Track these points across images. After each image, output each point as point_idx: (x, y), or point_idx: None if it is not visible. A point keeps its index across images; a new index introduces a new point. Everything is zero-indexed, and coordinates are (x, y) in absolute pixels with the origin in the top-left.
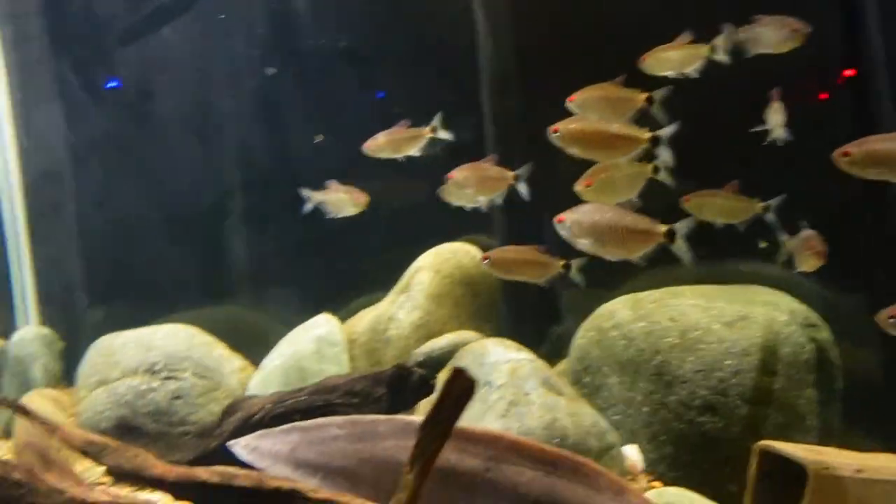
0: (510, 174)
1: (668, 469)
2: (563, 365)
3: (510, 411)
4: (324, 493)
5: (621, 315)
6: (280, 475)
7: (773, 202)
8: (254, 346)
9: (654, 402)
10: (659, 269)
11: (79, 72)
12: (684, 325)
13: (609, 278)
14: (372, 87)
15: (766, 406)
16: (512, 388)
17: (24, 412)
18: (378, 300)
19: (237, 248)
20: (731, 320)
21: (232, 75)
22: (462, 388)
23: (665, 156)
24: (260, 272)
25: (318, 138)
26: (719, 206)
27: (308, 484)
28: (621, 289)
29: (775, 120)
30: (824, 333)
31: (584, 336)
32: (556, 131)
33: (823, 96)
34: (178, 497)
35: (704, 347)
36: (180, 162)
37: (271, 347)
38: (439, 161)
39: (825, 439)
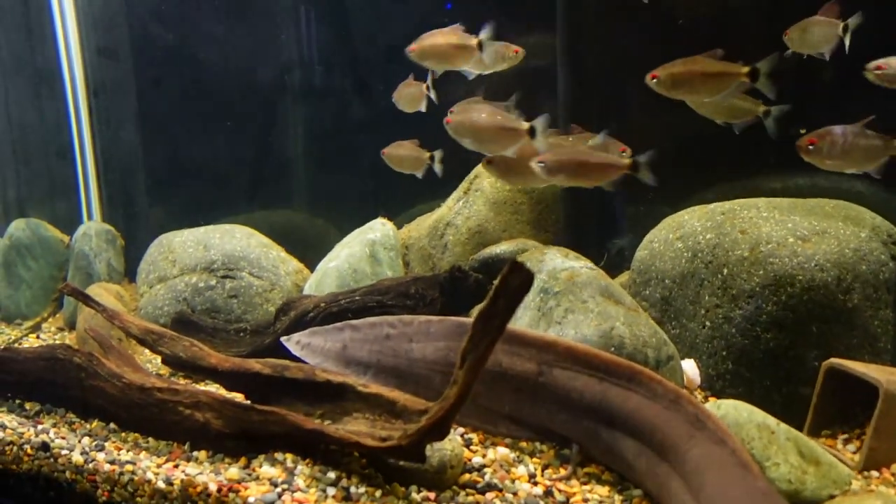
0: (426, 155)
1: (727, 386)
2: (624, 277)
3: (566, 318)
4: (373, 388)
5: (689, 226)
6: (331, 371)
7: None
8: (311, 250)
9: (717, 316)
10: (731, 182)
11: None
12: (756, 238)
13: (675, 192)
14: None
15: (837, 325)
16: (569, 296)
17: (86, 299)
18: (438, 206)
19: (297, 152)
20: (806, 234)
21: None
22: (519, 282)
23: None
24: (319, 176)
25: None
26: None
27: (359, 380)
28: (687, 203)
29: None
30: None
31: (646, 247)
32: (654, 77)
33: None
34: (230, 388)
35: (776, 262)
36: (242, 47)
37: (326, 250)
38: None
39: None
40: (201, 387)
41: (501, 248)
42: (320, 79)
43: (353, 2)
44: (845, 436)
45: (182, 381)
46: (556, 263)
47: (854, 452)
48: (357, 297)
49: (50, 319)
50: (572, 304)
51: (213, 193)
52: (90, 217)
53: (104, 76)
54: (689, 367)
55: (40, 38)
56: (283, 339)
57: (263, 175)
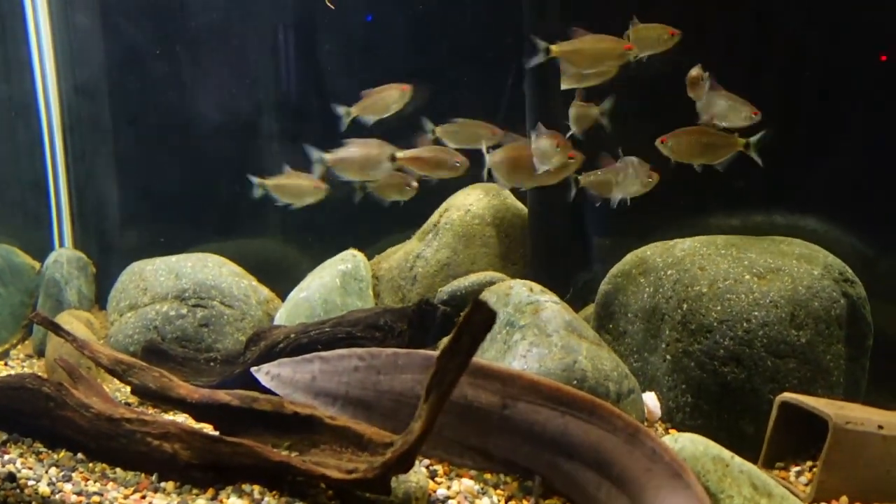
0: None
1: (686, 418)
2: (588, 310)
3: (531, 352)
4: (341, 420)
5: (652, 261)
6: (299, 402)
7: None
8: (282, 280)
9: (676, 350)
10: (692, 218)
11: None
12: (714, 274)
13: (640, 227)
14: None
15: (791, 359)
16: (534, 329)
17: (56, 328)
18: (407, 238)
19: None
20: (762, 271)
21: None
22: (482, 319)
23: None
24: (293, 208)
25: (330, 5)
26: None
27: (326, 411)
28: (651, 238)
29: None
30: (858, 289)
31: (610, 282)
32: (664, 141)
33: None
34: (199, 419)
35: (733, 297)
36: (215, 83)
37: (298, 280)
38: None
39: (851, 396)
40: (170, 417)
41: (469, 280)
42: (292, 114)
43: (321, 45)
44: (798, 468)
45: (151, 412)
46: (521, 297)
47: (806, 484)
48: (327, 329)
49: (18, 346)
50: (537, 337)
51: (186, 223)
52: (62, 244)
53: (80, 111)
54: (650, 400)
55: (18, 72)
56: (252, 369)
57: (236, 205)
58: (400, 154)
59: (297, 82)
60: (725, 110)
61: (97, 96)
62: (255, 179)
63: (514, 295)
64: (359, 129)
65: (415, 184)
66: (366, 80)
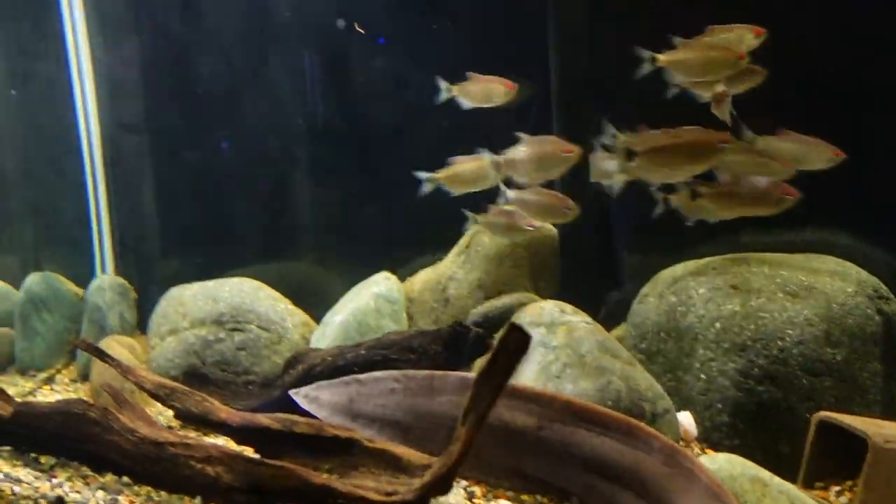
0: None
1: (723, 438)
2: (620, 329)
3: (565, 372)
4: (379, 443)
5: (682, 281)
6: (338, 425)
7: None
8: (316, 303)
9: (711, 369)
10: (723, 235)
11: (157, 26)
12: (746, 293)
13: (670, 244)
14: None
15: (827, 377)
16: (567, 350)
17: (101, 354)
18: (438, 260)
19: (303, 206)
20: (795, 289)
21: (301, 34)
22: (517, 342)
23: None
24: (324, 230)
25: (360, 29)
26: None
27: (365, 434)
28: (682, 255)
29: None
30: (893, 306)
31: (642, 301)
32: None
33: None
34: (240, 442)
35: (766, 316)
36: (250, 117)
37: (333, 304)
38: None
39: (888, 415)
40: (212, 440)
41: (501, 302)
42: (328, 140)
43: (358, 76)
44: (838, 488)
45: (193, 435)
46: (554, 317)
47: None
48: (362, 352)
49: (63, 371)
50: (570, 358)
51: (223, 249)
52: (104, 271)
53: (121, 145)
54: (686, 420)
55: (62, 109)
56: (291, 392)
57: (270, 231)
58: (510, 194)
59: (325, 113)
60: (804, 153)
61: (138, 131)
62: (424, 175)
63: (547, 315)
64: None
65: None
66: (387, 109)
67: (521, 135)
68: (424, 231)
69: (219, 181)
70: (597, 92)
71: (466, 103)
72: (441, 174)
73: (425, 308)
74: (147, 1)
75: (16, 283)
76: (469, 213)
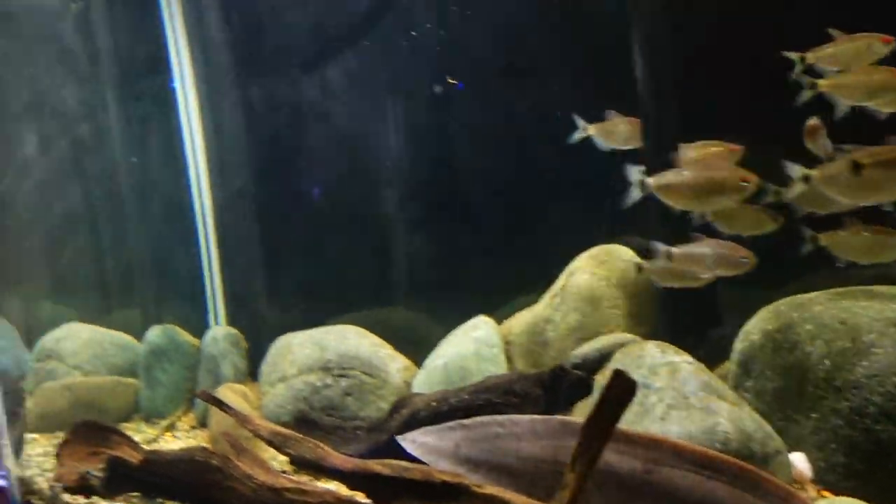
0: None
1: (840, 479)
2: (723, 368)
3: (669, 414)
4: (489, 489)
5: (786, 317)
6: (444, 469)
7: None
8: (416, 347)
9: (823, 408)
10: (826, 268)
11: (264, 97)
12: (855, 328)
13: (771, 279)
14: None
15: None
16: (671, 391)
17: (220, 404)
18: (533, 302)
19: (400, 254)
20: None
21: (408, 87)
22: (622, 389)
23: None
24: (421, 277)
25: (452, 81)
26: None
27: (472, 479)
28: (783, 291)
29: None
30: None
31: (745, 339)
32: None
33: None
34: (352, 487)
35: (879, 352)
36: (351, 173)
37: (432, 348)
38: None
39: None
40: (324, 485)
41: (600, 343)
42: (425, 189)
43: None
44: None
45: (306, 479)
46: (655, 358)
47: None
48: (465, 396)
49: (183, 418)
50: (674, 399)
51: (326, 298)
52: (217, 322)
53: (230, 208)
54: (799, 461)
55: (177, 178)
56: (397, 437)
57: (372, 279)
58: (675, 250)
59: (422, 163)
60: None
61: (245, 195)
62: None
63: (648, 356)
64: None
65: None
66: (484, 155)
67: (683, 151)
68: (520, 274)
69: (321, 235)
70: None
71: (603, 144)
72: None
73: (524, 351)
74: (255, 78)
75: (138, 335)
76: (637, 262)
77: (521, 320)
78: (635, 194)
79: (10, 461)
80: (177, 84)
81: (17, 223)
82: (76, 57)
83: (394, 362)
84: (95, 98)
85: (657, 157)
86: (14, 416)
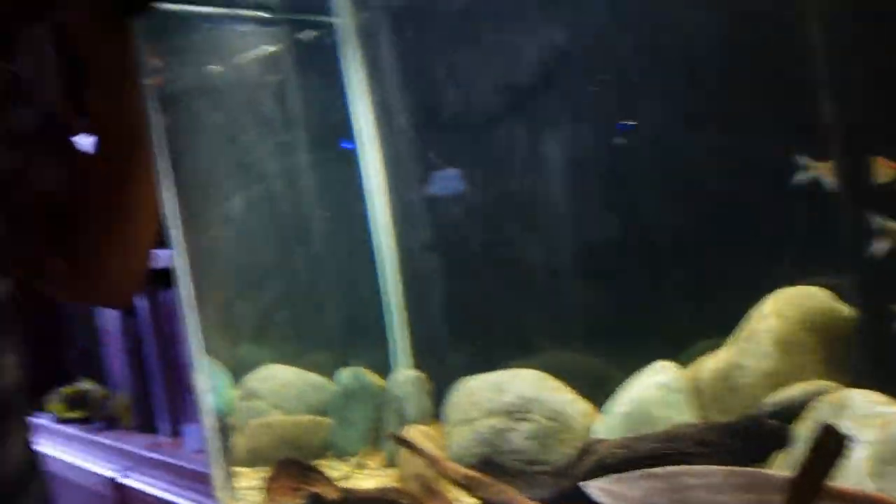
0: None
1: None
2: None
3: (885, 471)
4: None
5: None
6: None
7: None
8: (596, 392)
9: None
10: None
11: (444, 141)
12: None
13: None
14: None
15: None
16: (883, 445)
17: (411, 446)
18: (718, 346)
19: (578, 297)
20: None
21: (589, 137)
22: (833, 445)
23: None
24: (599, 321)
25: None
26: None
27: None
28: None
29: None
30: None
31: None
32: None
33: None
34: None
35: None
36: (530, 220)
37: (612, 393)
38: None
39: None
40: None
41: (797, 391)
42: (603, 228)
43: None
44: None
45: None
46: (863, 409)
47: None
48: (653, 444)
49: (372, 457)
50: (890, 454)
51: (507, 340)
52: (401, 365)
53: (413, 262)
54: None
55: (362, 224)
56: (583, 484)
57: (551, 322)
58: None
59: (610, 215)
60: None
61: (428, 251)
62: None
63: (854, 407)
64: None
65: None
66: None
67: None
68: (703, 317)
69: (501, 282)
70: None
71: (832, 183)
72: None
73: (711, 398)
74: (436, 135)
75: (330, 376)
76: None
77: (708, 365)
78: (881, 246)
79: (222, 493)
80: (360, 145)
81: (223, 272)
82: (273, 124)
83: (575, 407)
84: (290, 160)
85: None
86: (224, 451)
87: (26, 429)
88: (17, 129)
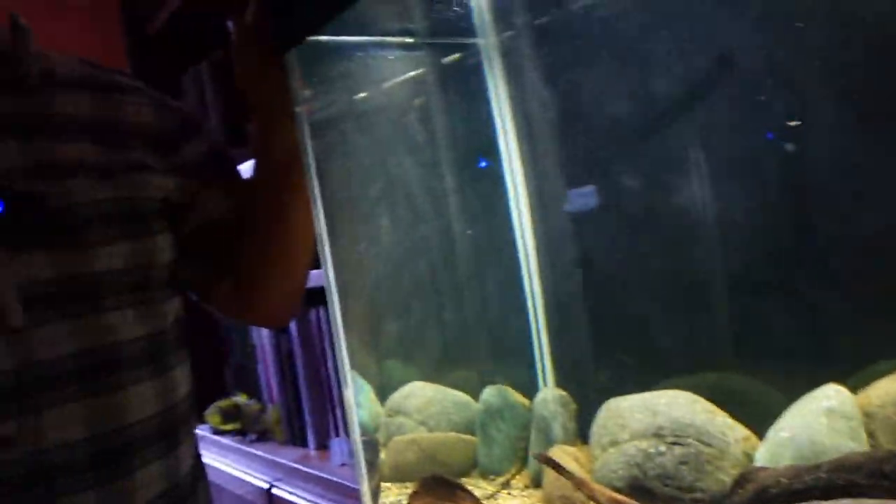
0: None
1: None
2: None
3: None
4: None
5: None
6: None
7: None
8: (753, 416)
9: None
10: None
11: (590, 159)
12: None
13: None
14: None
15: None
16: None
17: (558, 467)
18: (894, 368)
19: (735, 317)
20: None
21: (755, 146)
22: None
23: None
24: (757, 340)
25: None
26: None
27: None
28: None
29: None
30: None
31: None
32: None
33: None
34: None
35: None
36: (684, 234)
37: (772, 418)
38: None
39: None
40: None
41: None
42: (769, 253)
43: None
44: None
45: None
46: None
47: None
48: (823, 475)
49: (517, 476)
50: None
51: (653, 358)
52: (545, 383)
53: (556, 283)
54: None
55: (506, 242)
56: None
57: (702, 338)
58: None
59: (775, 229)
60: None
61: (573, 267)
62: None
63: None
64: None
65: None
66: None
67: None
68: (876, 336)
69: (649, 298)
70: None
71: None
72: None
73: (888, 425)
74: (581, 153)
75: (474, 394)
76: None
77: (883, 390)
78: None
79: None
80: (505, 163)
81: (370, 291)
82: (418, 144)
83: (732, 431)
84: (435, 180)
85: None
86: (371, 466)
87: (194, 437)
88: (190, 161)
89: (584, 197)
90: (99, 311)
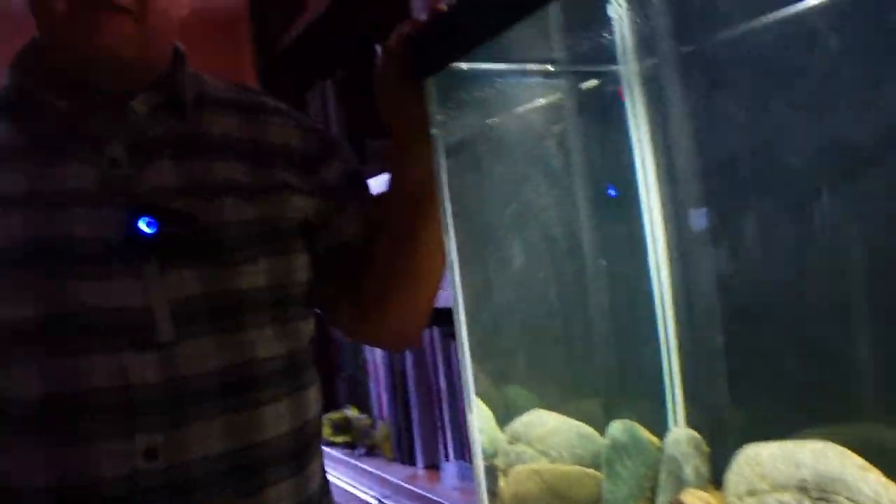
0: None
1: None
2: None
3: None
4: None
5: None
6: None
7: None
8: None
9: None
10: None
11: (731, 192)
12: None
13: None
14: None
15: None
16: None
17: None
18: None
19: (887, 357)
20: None
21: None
22: None
23: None
24: None
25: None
26: None
27: None
28: None
29: None
30: None
31: None
32: None
33: None
34: None
35: None
36: (833, 268)
37: None
38: None
39: None
40: None
41: None
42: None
43: None
44: None
45: None
46: None
47: None
48: None
49: None
50: None
51: (797, 406)
52: (676, 422)
53: (690, 315)
54: None
55: (640, 278)
56: None
57: (857, 387)
58: None
59: None
60: None
61: (709, 302)
62: None
63: None
64: None
65: None
66: None
67: None
68: None
69: (791, 337)
70: None
71: None
72: None
73: None
74: (722, 184)
75: (597, 427)
76: None
77: None
78: None
79: None
80: (642, 192)
81: (496, 316)
82: (552, 170)
83: (887, 492)
84: (568, 207)
85: None
86: (491, 495)
87: (322, 455)
88: (329, 182)
89: (731, 229)
90: (241, 329)
